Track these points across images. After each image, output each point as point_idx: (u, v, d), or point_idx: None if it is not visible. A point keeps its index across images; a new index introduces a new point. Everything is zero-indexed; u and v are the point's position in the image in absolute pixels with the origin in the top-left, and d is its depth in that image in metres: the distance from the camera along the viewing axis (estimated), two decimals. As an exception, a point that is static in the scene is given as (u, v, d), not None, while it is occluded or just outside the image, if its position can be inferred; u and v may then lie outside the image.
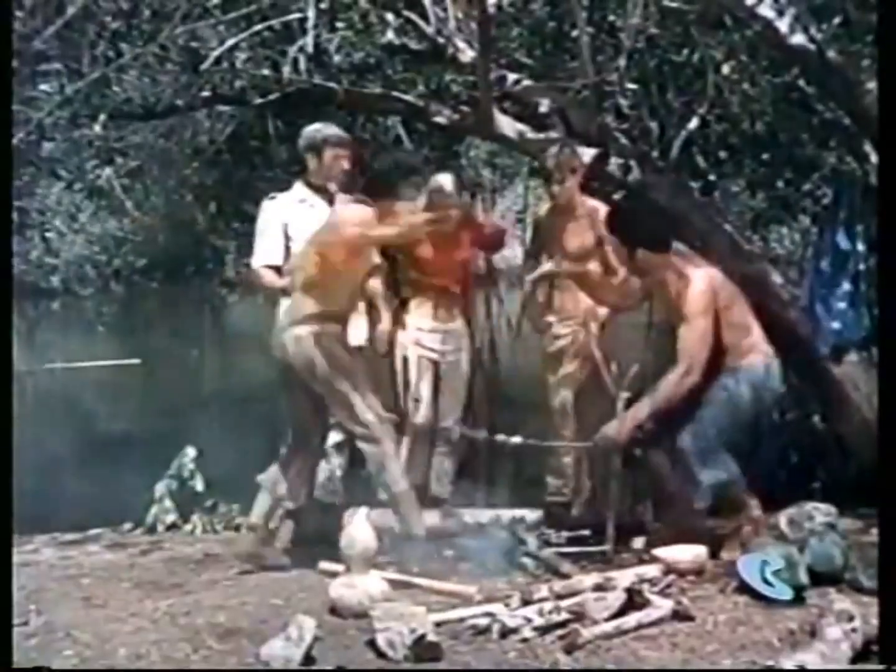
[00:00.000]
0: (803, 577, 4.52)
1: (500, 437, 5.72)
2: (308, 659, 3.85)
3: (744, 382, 5.17)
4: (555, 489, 6.05)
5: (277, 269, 5.73)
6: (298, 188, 5.88)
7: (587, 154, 6.65)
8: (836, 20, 6.14)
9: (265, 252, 5.77)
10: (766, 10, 5.75)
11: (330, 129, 5.89)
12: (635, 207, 6.12)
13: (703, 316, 5.09)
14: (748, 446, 5.59)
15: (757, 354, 5.24)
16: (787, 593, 4.43)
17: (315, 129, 5.87)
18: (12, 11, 4.96)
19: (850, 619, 3.97)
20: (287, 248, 5.74)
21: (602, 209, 5.83)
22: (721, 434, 5.12)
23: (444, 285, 6.02)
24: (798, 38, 5.79)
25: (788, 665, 3.68)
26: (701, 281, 5.16)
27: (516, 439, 5.69)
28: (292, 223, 5.74)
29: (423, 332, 6.00)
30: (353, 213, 5.17)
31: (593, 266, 5.83)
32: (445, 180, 6.02)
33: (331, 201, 5.81)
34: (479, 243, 6.31)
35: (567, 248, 5.96)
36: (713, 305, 5.12)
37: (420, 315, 6.01)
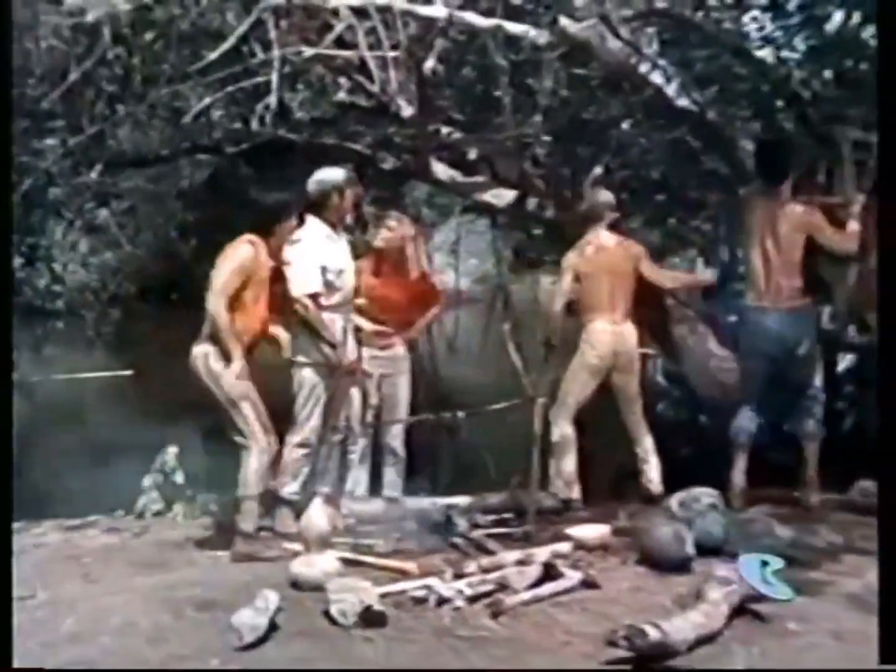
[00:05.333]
0: (690, 550, 4.55)
1: (447, 414, 5.75)
2: (273, 626, 3.83)
3: None
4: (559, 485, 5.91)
5: (314, 297, 5.40)
6: (317, 225, 5.48)
7: (510, 195, 6.70)
8: (714, 88, 6.25)
9: (306, 282, 5.37)
10: (656, 78, 5.84)
11: (346, 172, 5.64)
12: None
13: None
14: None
15: None
16: (786, 593, 4.02)
17: (337, 172, 5.54)
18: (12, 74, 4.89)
19: (729, 583, 4.01)
20: (325, 279, 5.43)
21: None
22: None
23: (383, 320, 5.96)
24: (683, 101, 5.88)
25: (678, 622, 3.68)
26: None
27: (461, 413, 5.84)
28: (326, 256, 5.43)
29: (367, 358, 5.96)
30: None
31: None
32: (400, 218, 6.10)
33: (338, 234, 5.57)
34: (428, 301, 6.28)
35: None
36: None
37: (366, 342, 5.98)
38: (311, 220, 5.52)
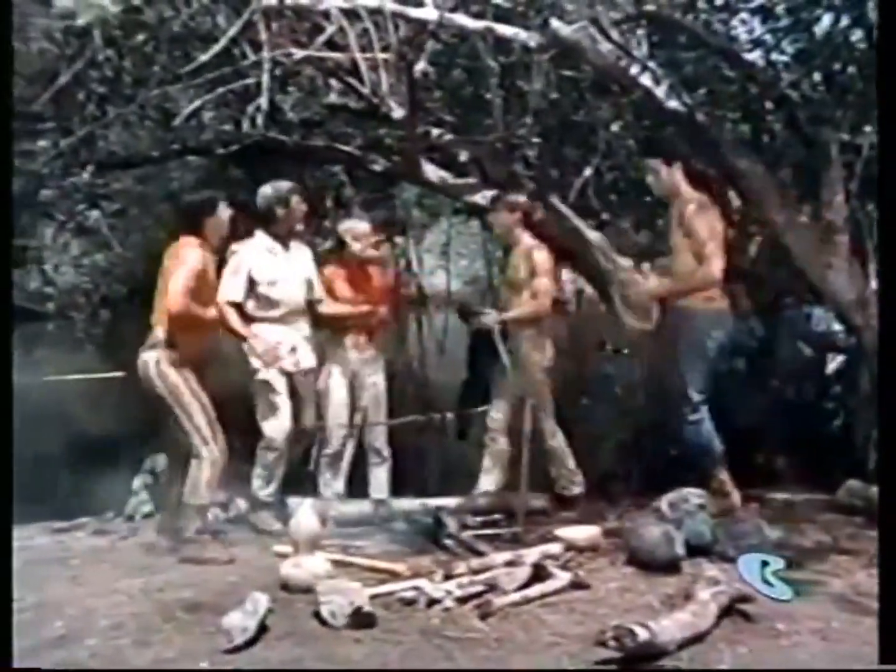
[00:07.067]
0: (680, 550, 4.56)
1: (436, 415, 6.07)
2: (262, 628, 3.82)
3: None
4: (566, 482, 5.99)
5: (237, 306, 5.57)
6: (262, 237, 5.72)
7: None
8: (703, 90, 6.27)
9: (231, 289, 5.57)
10: (645, 80, 5.82)
11: (290, 184, 5.79)
12: None
13: None
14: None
15: None
16: (786, 593, 3.97)
17: (280, 183, 5.75)
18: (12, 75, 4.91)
19: (717, 583, 4.02)
20: (251, 291, 5.62)
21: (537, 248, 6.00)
22: None
23: (355, 323, 6.02)
24: (673, 103, 5.87)
25: (667, 622, 3.69)
26: None
27: (449, 414, 6.11)
28: (257, 268, 5.63)
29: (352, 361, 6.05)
30: None
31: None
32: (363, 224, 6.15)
33: (286, 247, 5.74)
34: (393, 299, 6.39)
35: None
36: None
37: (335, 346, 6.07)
38: (259, 234, 5.71)
